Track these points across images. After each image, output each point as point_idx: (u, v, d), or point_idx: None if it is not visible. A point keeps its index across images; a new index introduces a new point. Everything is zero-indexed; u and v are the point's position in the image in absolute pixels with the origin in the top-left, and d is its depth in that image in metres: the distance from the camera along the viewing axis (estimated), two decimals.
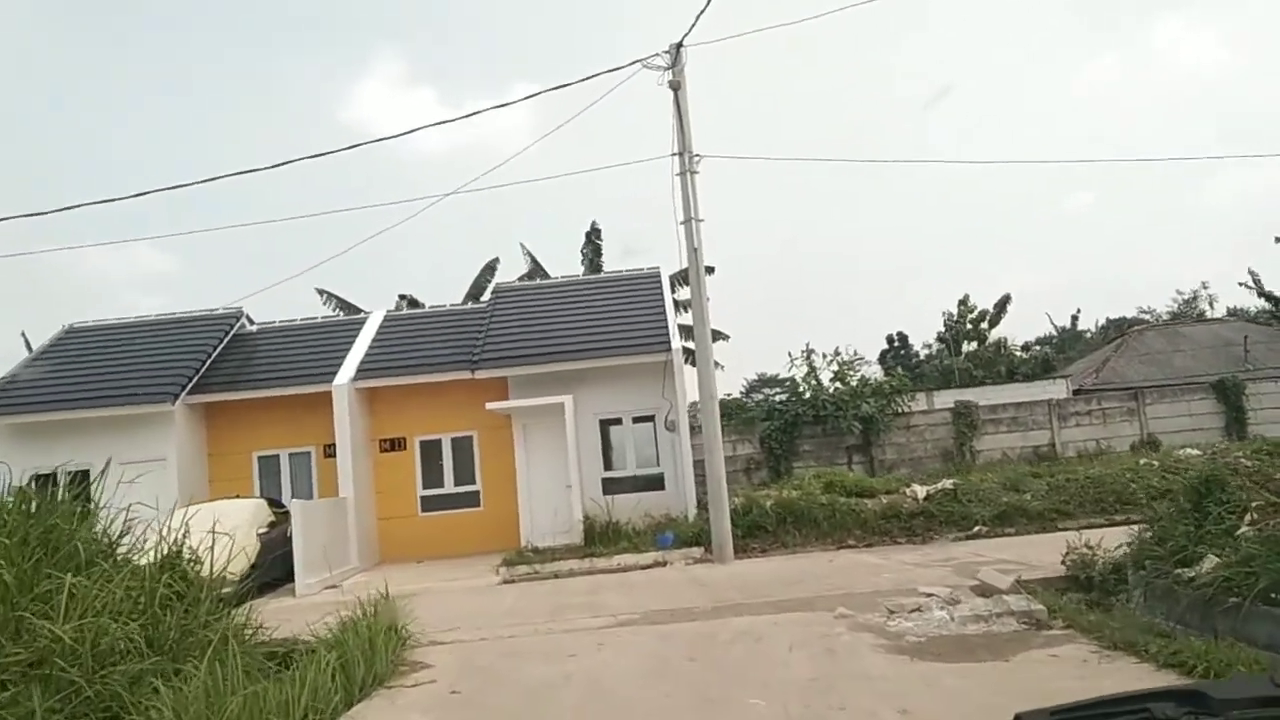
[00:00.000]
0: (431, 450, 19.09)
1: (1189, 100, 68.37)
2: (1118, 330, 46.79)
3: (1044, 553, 11.39)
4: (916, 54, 76.42)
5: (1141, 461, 16.11)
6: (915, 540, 14.63)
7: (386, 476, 18.99)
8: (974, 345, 44.81)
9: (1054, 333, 50.35)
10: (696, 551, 14.94)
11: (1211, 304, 47.42)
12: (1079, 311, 51.59)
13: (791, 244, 70.10)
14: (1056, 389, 27.25)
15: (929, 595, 8.78)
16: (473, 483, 18.95)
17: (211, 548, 7.91)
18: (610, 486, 17.64)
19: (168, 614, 6.12)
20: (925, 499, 15.31)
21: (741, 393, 42.01)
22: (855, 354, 24.16)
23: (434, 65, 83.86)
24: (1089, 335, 51.08)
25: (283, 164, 13.38)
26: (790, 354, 24.24)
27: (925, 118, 67.29)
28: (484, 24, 78.86)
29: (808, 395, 23.00)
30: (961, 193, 72.57)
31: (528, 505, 17.52)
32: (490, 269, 30.02)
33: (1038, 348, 47.47)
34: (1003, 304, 44.39)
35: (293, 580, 14.70)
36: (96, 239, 65.84)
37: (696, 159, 14.35)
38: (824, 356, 23.79)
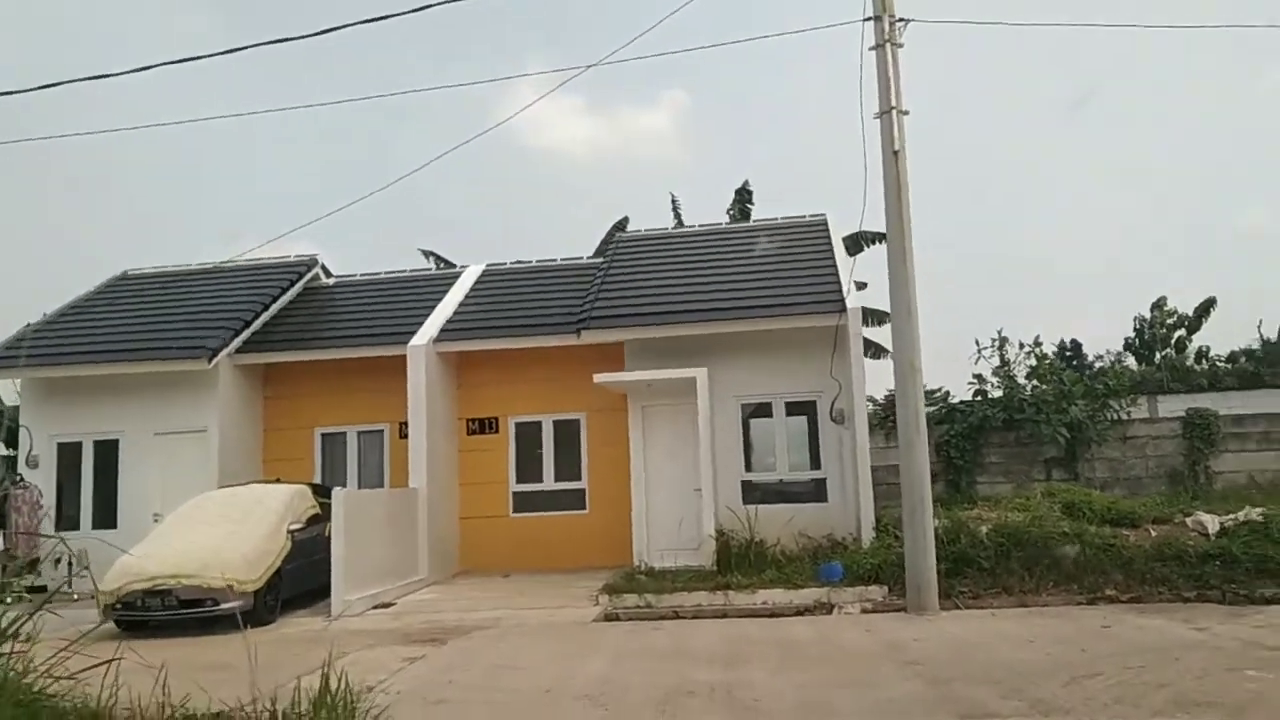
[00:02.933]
0: (529, 435, 15.34)
1: None
2: None
3: None
4: None
5: None
6: (1210, 596, 9.80)
7: (473, 465, 15.36)
8: (1165, 354, 39.02)
9: (1259, 343, 43.54)
10: (877, 592, 10.54)
11: None
12: None
13: (951, 233, 63.51)
14: None
15: None
16: (578, 479, 15.13)
17: None
18: (752, 494, 13.41)
19: None
20: (1219, 534, 10.46)
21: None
22: (1064, 343, 19.28)
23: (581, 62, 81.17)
24: None
25: (270, 42, 9.74)
26: (978, 342, 19.59)
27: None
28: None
29: (999, 394, 18.36)
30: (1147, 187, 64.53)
31: (643, 512, 13.64)
32: (620, 227, 24.81)
33: (1242, 359, 41.13)
34: (1205, 308, 38.35)
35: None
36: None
37: (899, 25, 9.94)
38: (1021, 346, 19.10)
